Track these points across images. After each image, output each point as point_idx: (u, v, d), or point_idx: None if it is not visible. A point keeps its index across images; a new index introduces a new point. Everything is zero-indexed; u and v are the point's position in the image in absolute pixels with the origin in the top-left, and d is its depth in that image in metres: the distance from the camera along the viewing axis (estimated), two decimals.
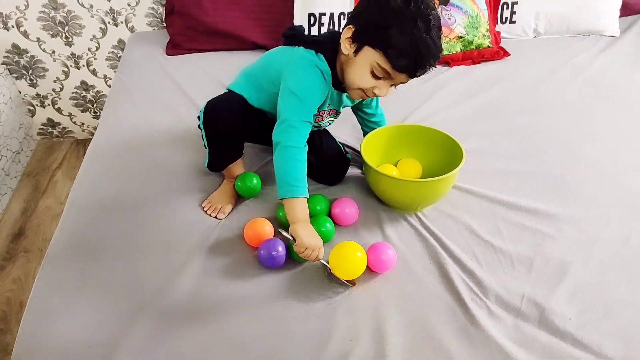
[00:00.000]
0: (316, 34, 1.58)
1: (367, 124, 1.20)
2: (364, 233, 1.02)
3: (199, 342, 0.80)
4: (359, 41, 0.93)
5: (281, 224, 1.02)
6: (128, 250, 0.96)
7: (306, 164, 0.95)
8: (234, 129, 1.04)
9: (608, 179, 1.15)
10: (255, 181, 1.08)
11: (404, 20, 0.88)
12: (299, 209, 0.92)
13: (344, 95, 1.06)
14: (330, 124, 1.15)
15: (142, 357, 0.79)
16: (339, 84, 1.00)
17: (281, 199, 0.94)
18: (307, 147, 0.95)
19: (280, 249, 0.93)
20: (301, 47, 0.99)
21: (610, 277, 0.93)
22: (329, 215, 1.03)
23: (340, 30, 0.99)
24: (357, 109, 1.18)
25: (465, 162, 1.08)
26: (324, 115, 1.08)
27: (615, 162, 1.20)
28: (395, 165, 1.15)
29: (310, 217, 0.98)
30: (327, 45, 0.98)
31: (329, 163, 1.13)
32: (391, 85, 0.97)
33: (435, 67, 0.95)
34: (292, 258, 0.95)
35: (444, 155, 1.10)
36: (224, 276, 0.91)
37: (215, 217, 1.04)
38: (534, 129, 1.31)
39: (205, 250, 0.96)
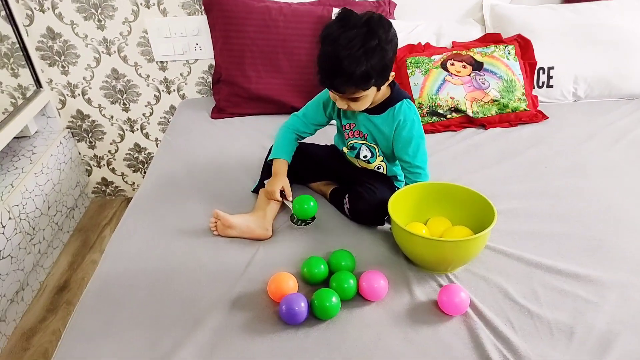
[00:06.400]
0: None
1: (406, 175, 1.20)
2: (391, 293, 0.98)
3: None
4: None
5: (305, 280, 1.01)
6: (151, 302, 0.97)
7: (287, 134, 1.26)
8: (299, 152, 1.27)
9: None
10: (312, 203, 1.15)
11: (321, 43, 1.04)
12: (273, 167, 1.22)
13: (359, 114, 1.17)
14: (370, 151, 1.22)
15: None
16: None
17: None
18: (292, 129, 1.26)
19: (303, 304, 0.91)
20: None
21: None
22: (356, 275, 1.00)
23: None
24: (398, 158, 1.20)
25: (499, 222, 1.05)
26: (350, 133, 1.22)
27: None
28: (425, 224, 1.12)
29: (333, 272, 1.00)
30: None
31: (356, 206, 1.17)
32: (351, 100, 1.08)
33: (354, 86, 1.03)
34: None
35: (475, 214, 1.07)
36: (242, 331, 0.90)
37: (213, 228, 1.16)
38: (571, 191, 1.26)
39: (227, 303, 0.96)
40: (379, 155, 1.23)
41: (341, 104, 1.10)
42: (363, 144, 1.21)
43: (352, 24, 1.01)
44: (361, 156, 1.23)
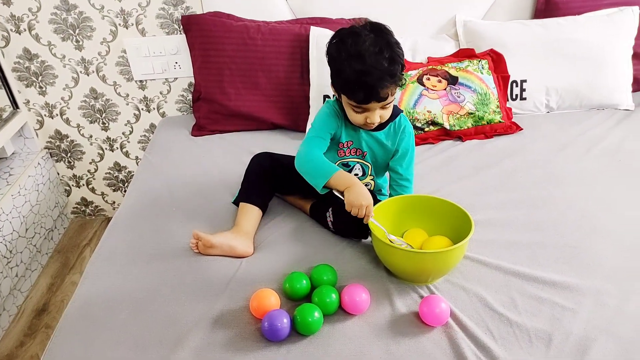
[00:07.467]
0: None
1: (393, 186, 1.22)
2: (372, 306, 0.99)
3: None
4: (335, 89, 1.11)
5: (287, 295, 1.01)
6: (133, 322, 0.96)
7: (320, 153, 1.12)
8: (274, 162, 1.26)
9: (628, 250, 1.10)
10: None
11: (341, 65, 1.04)
12: (339, 181, 1.06)
13: (362, 131, 1.17)
14: (363, 169, 1.21)
15: None
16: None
17: (325, 187, 1.08)
18: (314, 146, 1.13)
19: (285, 320, 0.91)
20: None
21: (637, 356, 0.86)
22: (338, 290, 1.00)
23: None
24: (389, 168, 1.23)
25: (477, 232, 1.07)
26: (347, 151, 1.19)
27: (635, 232, 1.16)
28: (402, 236, 1.14)
29: (316, 287, 0.99)
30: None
31: (341, 219, 1.16)
32: (383, 109, 1.08)
33: (394, 84, 1.04)
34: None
35: (453, 225, 1.09)
36: (225, 350, 0.90)
37: (194, 249, 1.14)
38: (546, 200, 1.29)
39: (209, 321, 0.95)
40: (370, 175, 1.23)
41: (374, 118, 1.08)
42: (358, 162, 1.21)
43: (362, 34, 1.02)
44: (352, 174, 1.22)
